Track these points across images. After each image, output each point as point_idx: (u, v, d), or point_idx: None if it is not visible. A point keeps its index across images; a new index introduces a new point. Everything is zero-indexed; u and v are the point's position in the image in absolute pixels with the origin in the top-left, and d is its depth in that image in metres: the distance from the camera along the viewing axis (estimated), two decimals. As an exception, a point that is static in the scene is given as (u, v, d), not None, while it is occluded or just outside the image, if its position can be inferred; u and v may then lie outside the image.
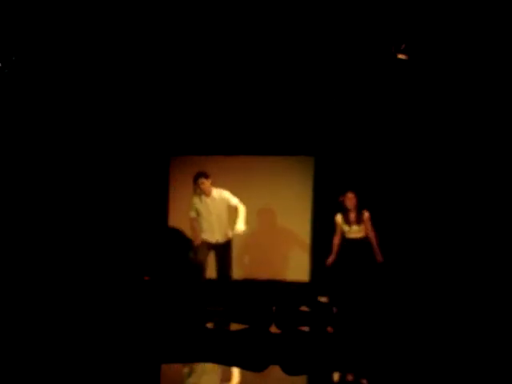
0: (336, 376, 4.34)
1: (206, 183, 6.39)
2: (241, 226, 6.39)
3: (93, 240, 7.23)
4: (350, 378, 4.29)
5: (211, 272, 6.78)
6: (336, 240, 6.52)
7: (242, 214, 6.43)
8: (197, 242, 6.53)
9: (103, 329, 5.00)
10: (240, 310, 6.36)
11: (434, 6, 5.71)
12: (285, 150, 7.50)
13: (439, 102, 6.65)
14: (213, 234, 6.50)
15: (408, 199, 6.92)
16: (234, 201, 6.48)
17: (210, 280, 6.78)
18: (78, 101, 7.19)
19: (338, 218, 6.51)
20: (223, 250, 6.56)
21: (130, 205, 7.48)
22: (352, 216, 6.44)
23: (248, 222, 7.33)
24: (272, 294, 7.15)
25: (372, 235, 6.40)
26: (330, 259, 6.49)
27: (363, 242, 6.44)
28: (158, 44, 6.53)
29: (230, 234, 6.55)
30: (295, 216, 7.53)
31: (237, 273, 7.40)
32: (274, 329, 5.42)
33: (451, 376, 4.02)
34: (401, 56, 6.15)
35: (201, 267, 6.57)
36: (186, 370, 4.45)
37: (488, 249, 6.28)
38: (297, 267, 7.47)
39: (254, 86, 7.19)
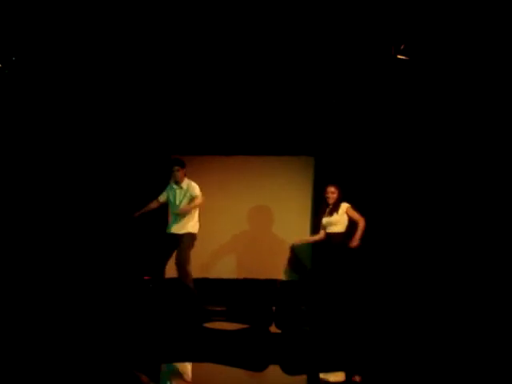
0: (336, 376, 4.34)
1: (180, 171, 6.34)
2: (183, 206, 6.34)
3: (93, 240, 7.23)
4: (349, 377, 4.30)
5: (211, 272, 6.77)
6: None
7: (194, 202, 6.31)
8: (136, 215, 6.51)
9: (103, 329, 5.01)
10: (240, 310, 6.37)
11: (433, 6, 5.71)
12: (285, 150, 7.50)
13: (439, 102, 6.65)
14: (174, 224, 6.40)
15: (408, 199, 6.92)
16: (194, 193, 6.32)
17: (210, 280, 6.79)
18: (79, 101, 7.19)
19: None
20: (180, 242, 6.29)
21: (130, 204, 7.48)
22: (328, 208, 6.40)
23: (248, 221, 7.36)
24: (272, 293, 7.16)
25: (361, 221, 6.25)
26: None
27: (337, 237, 6.35)
28: (159, 44, 6.52)
29: (190, 228, 6.34)
30: (295, 216, 7.53)
31: (237, 273, 7.41)
32: (273, 329, 5.43)
33: (449, 374, 4.03)
34: (400, 56, 6.15)
35: (161, 267, 6.40)
36: (185, 369, 4.46)
37: (483, 252, 6.29)
38: (297, 267, 7.47)
39: (254, 87, 7.18)
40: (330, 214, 6.36)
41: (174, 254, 6.32)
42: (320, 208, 6.56)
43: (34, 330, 4.91)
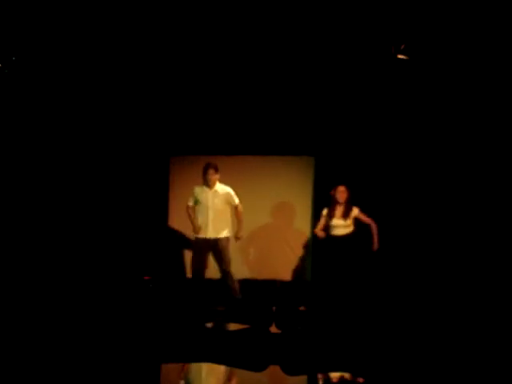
0: (336, 376, 4.34)
1: (214, 175, 6.38)
2: (240, 233, 6.49)
3: (93, 240, 7.23)
4: (350, 377, 4.29)
5: (211, 272, 6.78)
6: (318, 230, 6.55)
7: (241, 220, 6.47)
8: (195, 231, 6.49)
9: (103, 329, 5.01)
10: (240, 310, 6.37)
11: (433, 5, 5.71)
12: (285, 149, 7.50)
13: (439, 102, 6.66)
14: (206, 228, 6.41)
15: (408, 200, 6.92)
16: (236, 201, 6.46)
17: (210, 280, 6.78)
18: (78, 101, 7.19)
19: (325, 211, 6.49)
20: (219, 248, 6.45)
21: (130, 205, 7.48)
22: (339, 210, 6.39)
23: (248, 222, 7.36)
24: (272, 293, 7.16)
25: (372, 223, 6.39)
26: (320, 234, 6.48)
27: (348, 239, 6.39)
28: (158, 44, 6.52)
29: (227, 233, 6.48)
30: (295, 216, 7.53)
31: (237, 273, 7.40)
32: (273, 329, 5.42)
33: (449, 375, 4.03)
34: (401, 56, 6.15)
35: (199, 270, 6.49)
36: (186, 369, 4.45)
37: (483, 249, 6.29)
38: (297, 267, 7.47)
39: (254, 86, 7.19)
40: (342, 217, 6.37)
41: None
42: (329, 209, 6.51)
43: (34, 330, 4.90)
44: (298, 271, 7.48)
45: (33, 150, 7.16)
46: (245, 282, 7.35)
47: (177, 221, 7.44)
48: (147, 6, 5.94)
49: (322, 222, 6.53)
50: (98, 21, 6.10)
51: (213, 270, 6.80)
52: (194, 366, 4.47)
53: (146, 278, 7.26)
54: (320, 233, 6.47)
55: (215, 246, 6.46)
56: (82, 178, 7.32)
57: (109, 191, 7.44)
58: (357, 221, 6.48)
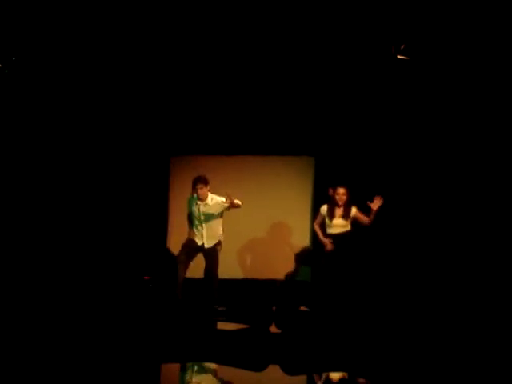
0: (336, 376, 4.34)
1: (203, 189, 6.30)
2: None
3: (93, 240, 7.24)
4: (350, 377, 4.30)
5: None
6: (316, 226, 6.45)
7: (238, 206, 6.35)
8: (190, 235, 6.48)
9: (103, 329, 5.01)
10: (240, 309, 6.38)
11: (433, 5, 5.71)
12: (285, 149, 7.51)
13: (439, 102, 6.66)
14: (200, 237, 6.40)
15: (407, 199, 6.92)
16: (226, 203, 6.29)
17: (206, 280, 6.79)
18: (78, 101, 7.19)
19: (324, 208, 6.40)
20: (208, 254, 6.42)
21: (130, 205, 7.49)
22: (339, 211, 6.32)
23: (248, 222, 7.37)
24: (272, 293, 7.17)
25: (369, 222, 6.22)
26: (329, 247, 6.32)
27: (345, 236, 6.32)
28: (158, 44, 6.53)
29: (220, 239, 6.46)
30: (295, 216, 7.53)
31: (237, 273, 7.42)
32: (273, 329, 5.43)
33: (448, 375, 4.03)
34: (401, 56, 6.15)
35: (180, 266, 6.42)
36: (186, 369, 4.45)
37: (482, 249, 6.29)
38: (297, 267, 7.47)
39: (255, 86, 7.19)
40: (343, 218, 6.29)
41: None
42: (329, 209, 6.43)
43: (34, 330, 4.91)
44: (298, 271, 7.47)
45: (33, 151, 7.16)
46: (245, 282, 7.36)
47: (177, 221, 7.43)
48: (147, 6, 5.94)
49: (319, 219, 6.44)
50: (97, 21, 6.10)
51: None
52: (194, 366, 4.47)
53: (146, 277, 7.26)
54: (329, 245, 6.38)
55: (206, 250, 6.42)
56: (83, 179, 7.32)
57: (109, 191, 7.44)
58: (354, 221, 6.40)
